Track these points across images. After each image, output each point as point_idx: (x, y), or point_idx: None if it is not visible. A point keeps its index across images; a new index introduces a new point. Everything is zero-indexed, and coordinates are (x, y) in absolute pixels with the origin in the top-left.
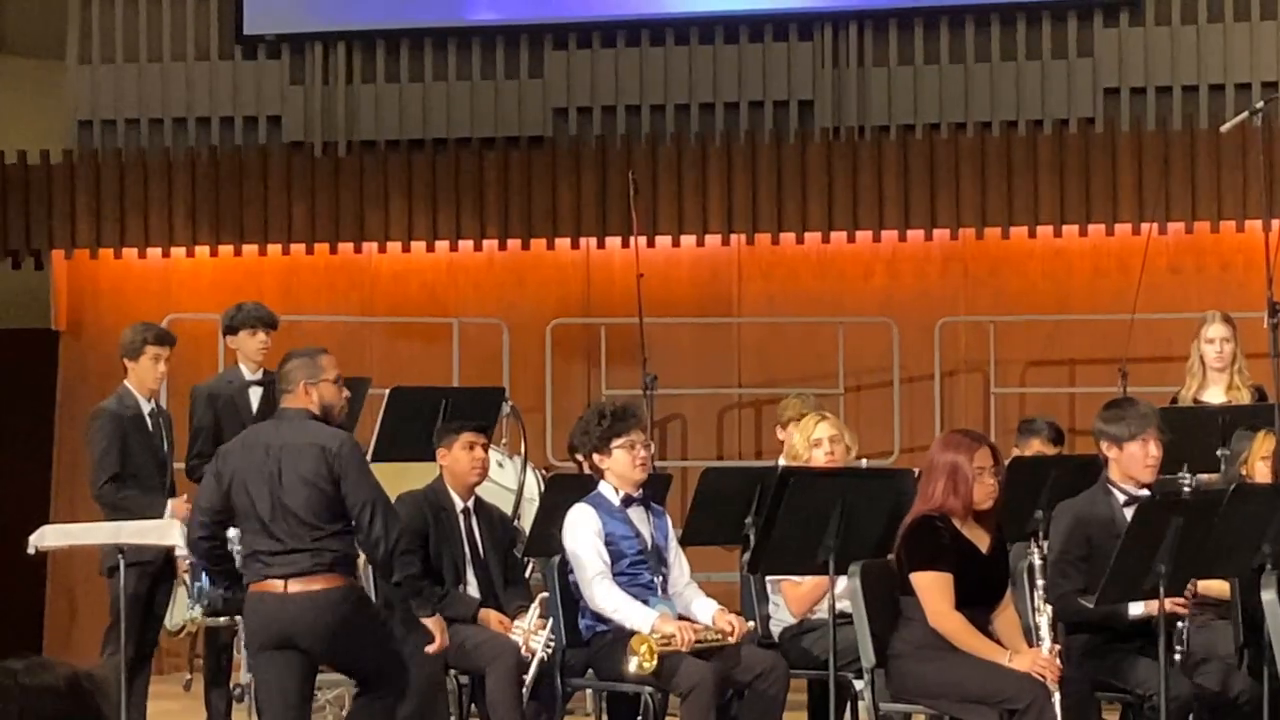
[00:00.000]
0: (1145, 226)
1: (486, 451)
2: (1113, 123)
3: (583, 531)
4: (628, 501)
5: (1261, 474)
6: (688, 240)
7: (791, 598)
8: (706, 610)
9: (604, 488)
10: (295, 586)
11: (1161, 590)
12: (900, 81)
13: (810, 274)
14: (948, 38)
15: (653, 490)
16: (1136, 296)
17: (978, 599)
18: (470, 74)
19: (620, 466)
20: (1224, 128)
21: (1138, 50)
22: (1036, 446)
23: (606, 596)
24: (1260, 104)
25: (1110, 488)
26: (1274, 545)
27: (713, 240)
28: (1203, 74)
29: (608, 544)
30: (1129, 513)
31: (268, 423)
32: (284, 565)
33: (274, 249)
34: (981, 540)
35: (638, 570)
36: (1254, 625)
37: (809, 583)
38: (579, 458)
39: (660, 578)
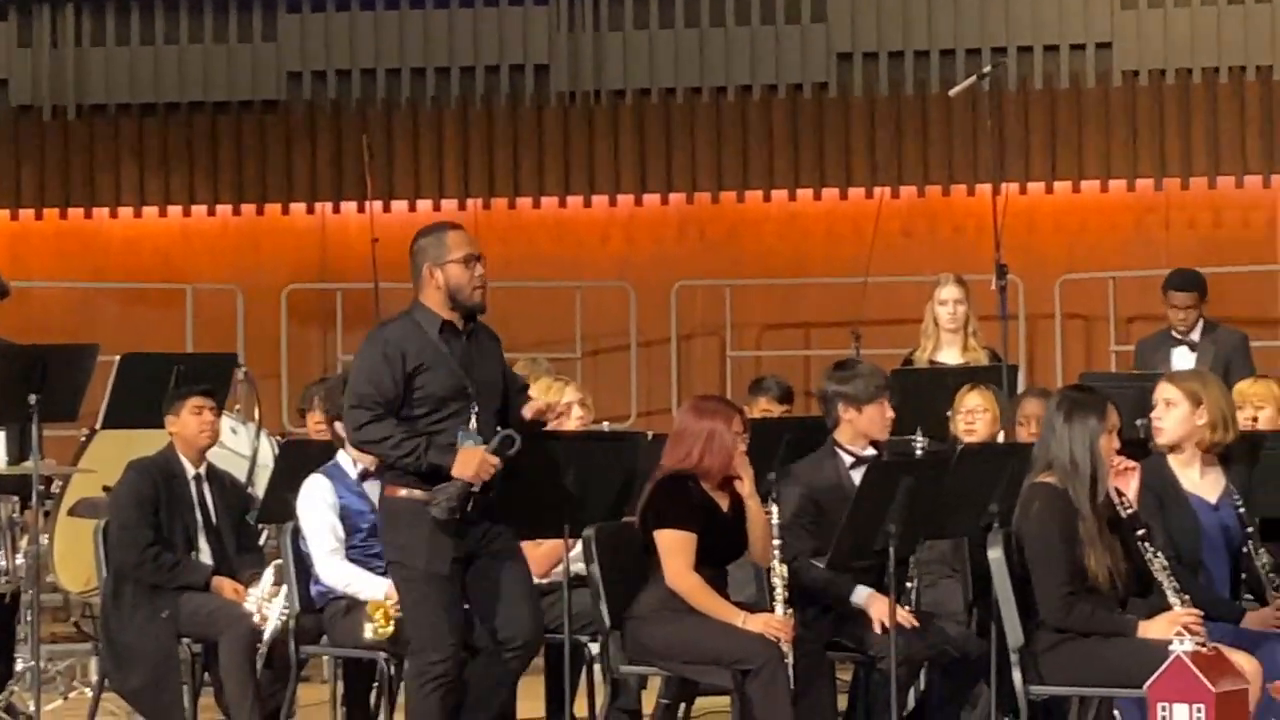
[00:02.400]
0: (878, 190)
1: (216, 416)
2: (846, 87)
3: (316, 505)
4: (365, 475)
5: (964, 432)
6: (424, 205)
7: (530, 558)
8: None
9: (342, 458)
10: None
11: (892, 550)
12: (635, 46)
13: (547, 238)
14: (682, 3)
15: None
16: (870, 259)
17: (717, 559)
18: (203, 37)
19: None
20: (953, 92)
21: (870, 15)
22: (764, 406)
23: (337, 572)
24: (988, 69)
25: (837, 450)
26: (1002, 504)
27: (449, 204)
28: (934, 39)
29: (343, 518)
30: (856, 475)
31: None
32: None
33: (2, 214)
34: (723, 500)
35: (371, 543)
36: (982, 583)
37: (548, 544)
38: (318, 420)
39: None
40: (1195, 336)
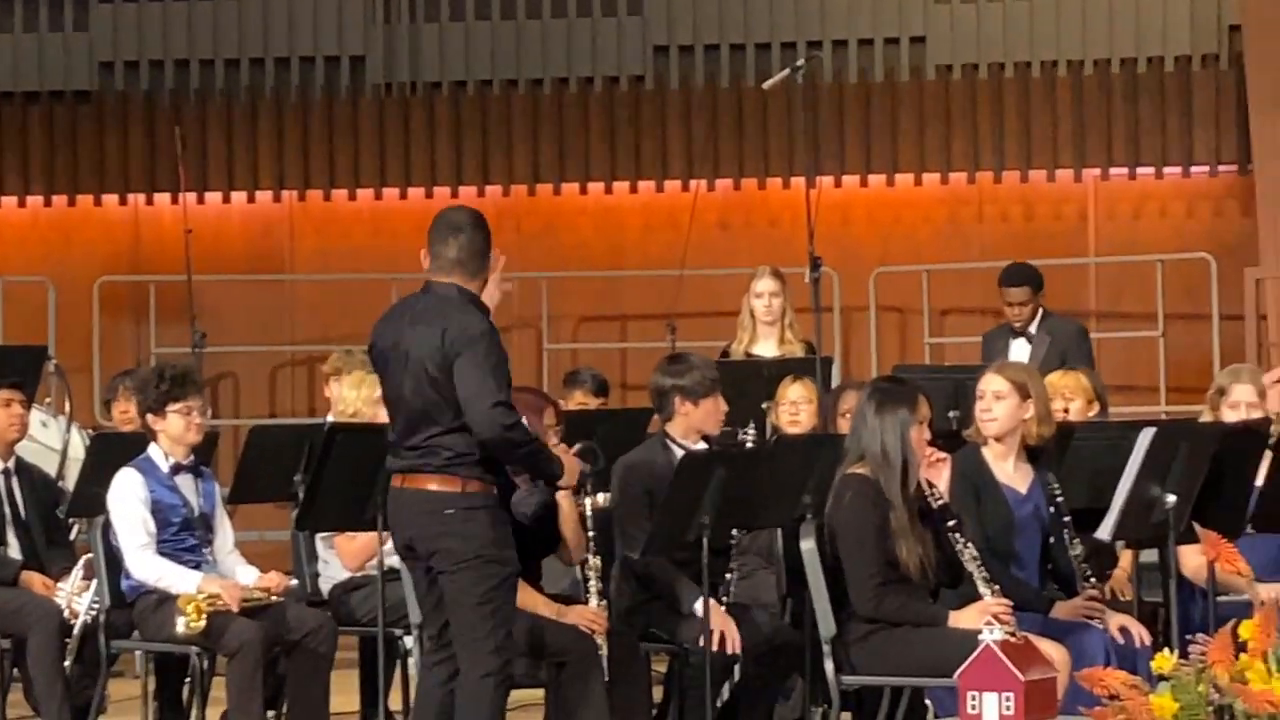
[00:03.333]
0: (694, 183)
1: (26, 409)
2: (662, 80)
3: (128, 500)
4: (176, 469)
5: (789, 424)
6: (239, 196)
7: (345, 551)
8: (249, 578)
9: (153, 451)
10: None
11: (705, 542)
12: (452, 38)
13: (364, 231)
14: None
15: (202, 455)
16: (685, 252)
17: (530, 553)
18: (13, 27)
19: (174, 430)
20: (767, 85)
21: (686, 8)
22: (580, 398)
23: (148, 567)
24: (801, 62)
25: (669, 443)
26: (815, 495)
27: (264, 196)
28: (749, 33)
29: (154, 512)
30: None
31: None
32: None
33: None
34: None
35: (183, 537)
36: (796, 574)
37: (362, 537)
38: (124, 410)
39: (208, 546)
40: (1033, 329)
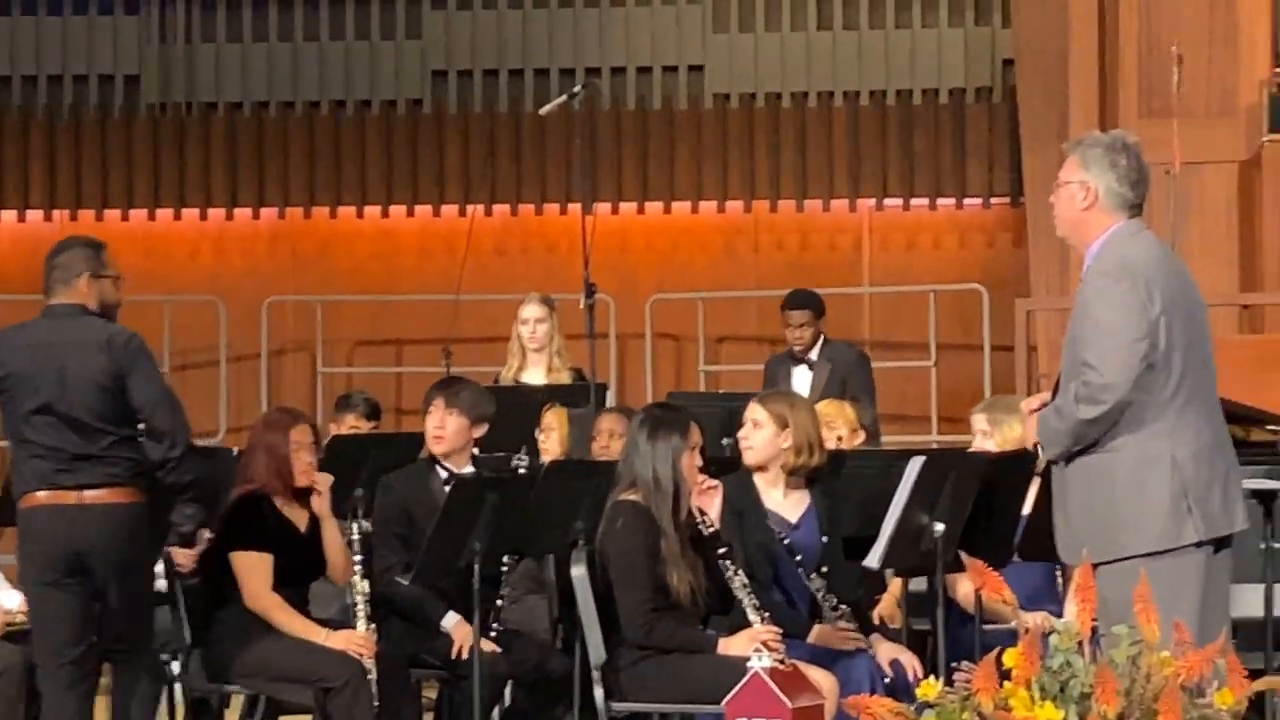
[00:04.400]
0: (471, 208)
1: None
2: (441, 104)
3: None
4: None
5: (541, 451)
6: (8, 215)
7: None
8: (12, 602)
9: None
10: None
11: (476, 566)
12: (228, 58)
13: (135, 252)
14: (276, 16)
15: None
16: (462, 277)
17: (296, 578)
18: None
19: None
20: (543, 110)
21: (465, 33)
22: (351, 422)
23: None
24: (578, 88)
25: (435, 465)
26: (587, 522)
27: (35, 215)
28: (528, 58)
29: None
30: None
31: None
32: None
33: None
34: (300, 519)
35: None
36: (568, 601)
37: None
38: None
39: None
40: (814, 355)
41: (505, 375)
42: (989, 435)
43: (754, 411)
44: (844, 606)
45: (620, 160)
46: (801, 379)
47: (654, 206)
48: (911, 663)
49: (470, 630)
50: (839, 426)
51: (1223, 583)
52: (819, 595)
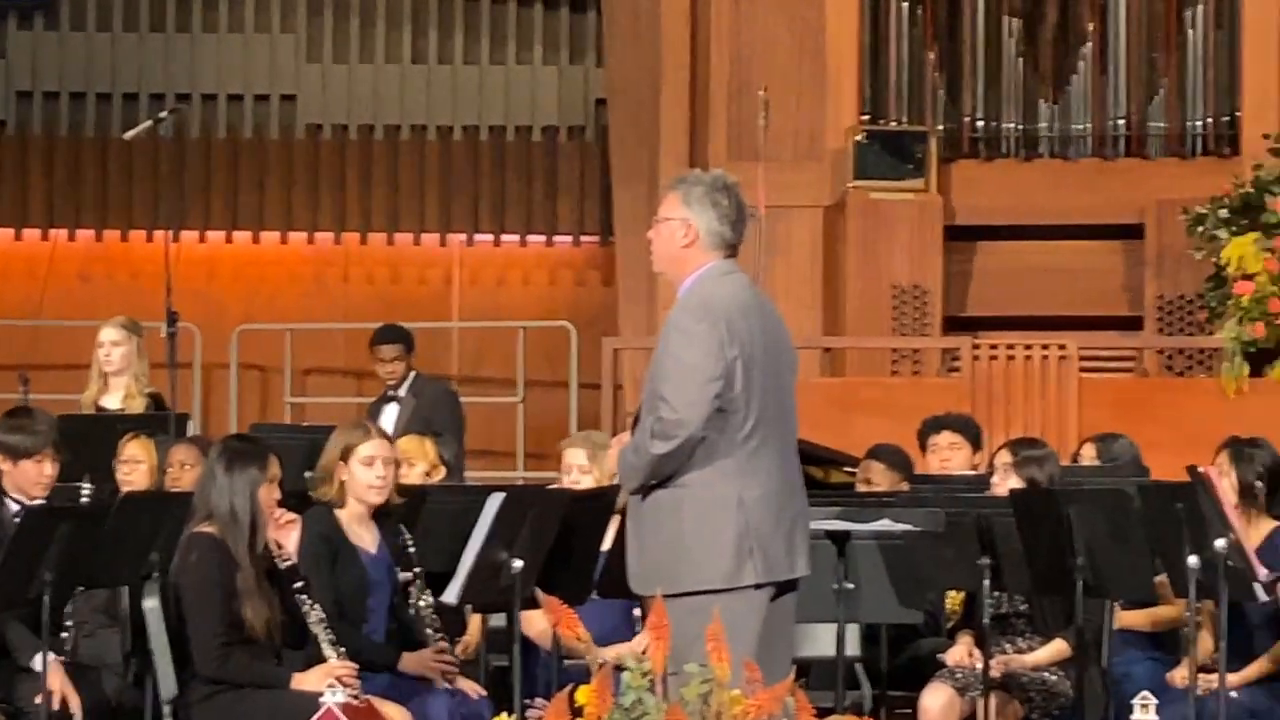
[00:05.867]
0: (54, 232)
1: None
2: (25, 126)
3: None
4: None
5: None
6: None
7: None
8: None
9: None
10: None
11: (47, 599)
12: None
13: None
14: None
15: None
16: (43, 302)
17: None
18: None
19: None
20: (129, 135)
21: (52, 54)
22: None
23: None
24: (164, 113)
25: (5, 496)
26: (162, 553)
27: None
28: (117, 82)
29: None
30: None
31: None
32: None
33: None
34: None
35: None
36: (141, 634)
37: None
38: None
39: None
40: (403, 391)
41: (85, 399)
42: (588, 470)
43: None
44: (442, 636)
45: (209, 188)
46: (389, 416)
47: (242, 236)
48: (474, 689)
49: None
50: (419, 462)
51: (786, 625)
52: (427, 612)
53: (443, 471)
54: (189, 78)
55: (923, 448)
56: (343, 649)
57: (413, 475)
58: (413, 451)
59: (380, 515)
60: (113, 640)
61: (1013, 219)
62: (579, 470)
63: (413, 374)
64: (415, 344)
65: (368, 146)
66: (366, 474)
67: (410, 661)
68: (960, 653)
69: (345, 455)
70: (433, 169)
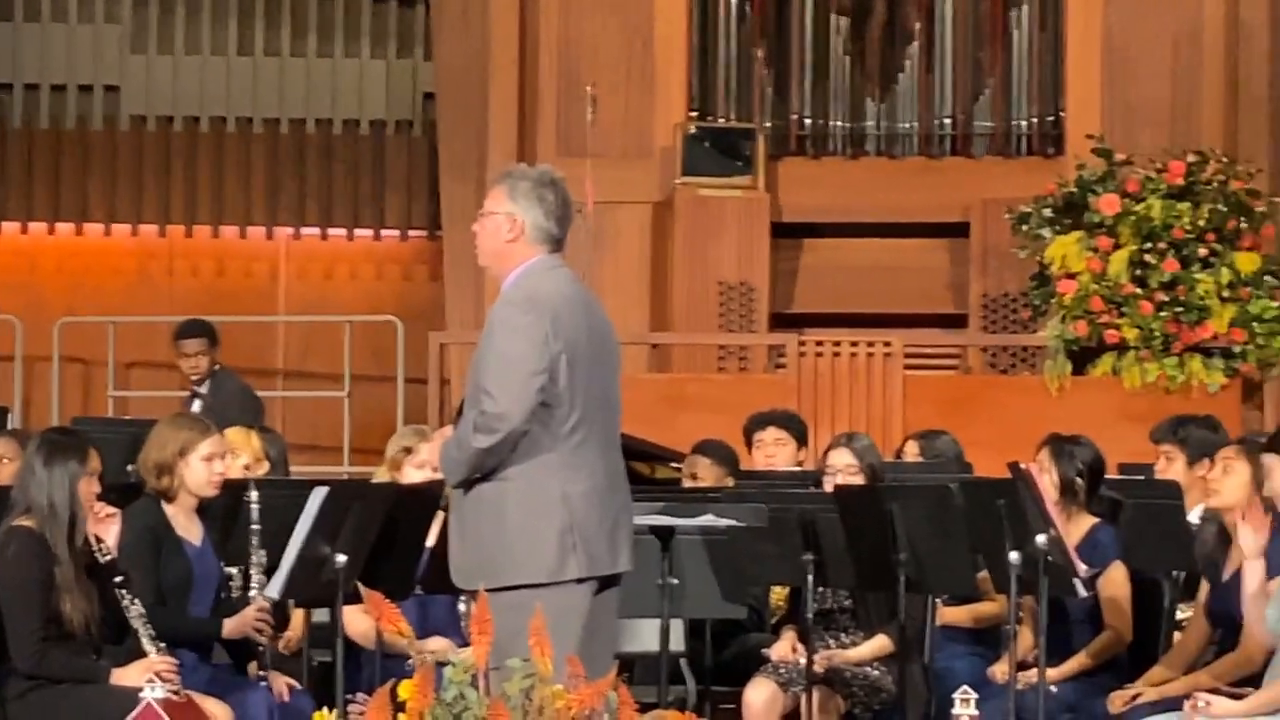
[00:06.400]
0: None
1: None
2: None
3: None
4: None
5: None
6: None
7: None
8: None
9: None
10: None
11: None
12: None
13: None
14: None
15: None
16: None
17: None
18: None
19: None
20: None
21: None
22: None
23: None
24: None
25: None
26: None
27: None
28: None
29: None
30: None
31: None
32: None
33: None
34: None
35: None
36: None
37: None
38: None
39: None
40: (206, 387)
41: None
42: (427, 464)
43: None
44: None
45: (31, 179)
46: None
47: (65, 227)
48: (282, 688)
49: None
50: (243, 454)
51: (609, 620)
52: (259, 590)
53: (266, 465)
54: (12, 67)
55: (748, 444)
56: (163, 644)
57: (235, 467)
58: (238, 443)
59: (201, 508)
60: None
61: (839, 217)
62: (418, 466)
63: (216, 368)
64: (220, 338)
65: (193, 139)
66: (206, 470)
67: (232, 626)
68: (784, 648)
69: (184, 451)
70: (259, 162)
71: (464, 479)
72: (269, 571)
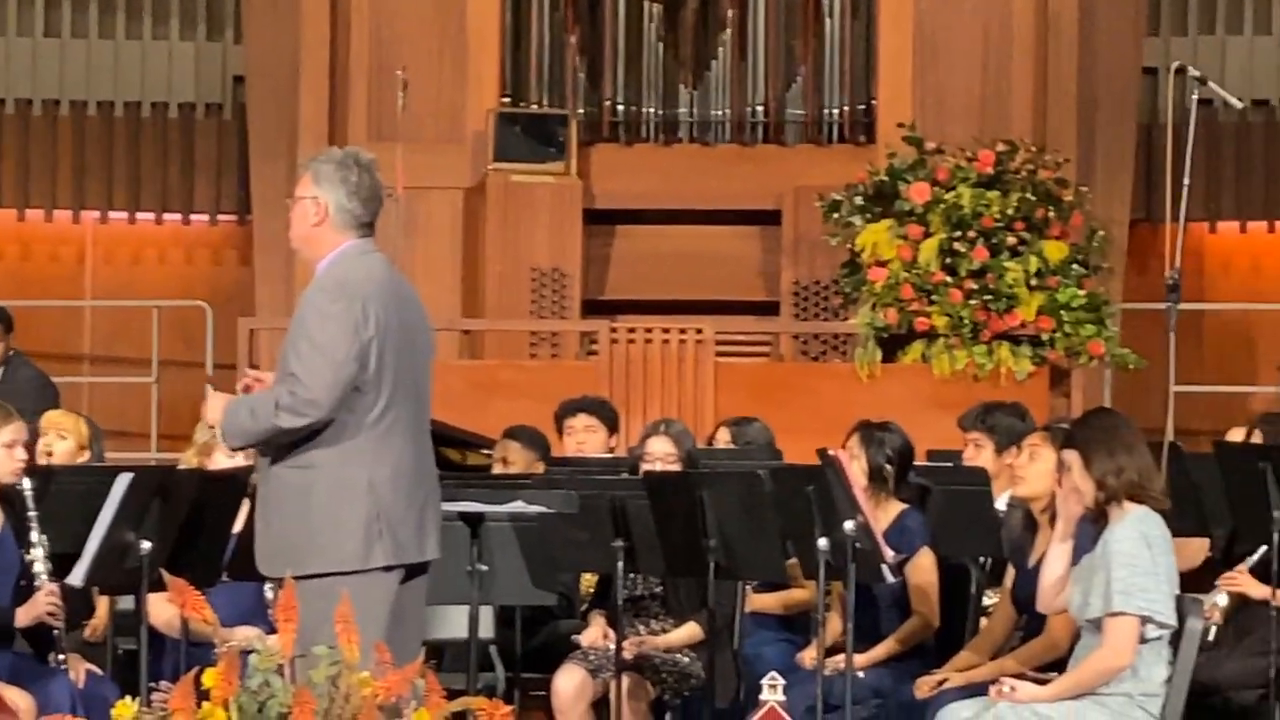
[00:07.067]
0: None
1: None
2: None
3: None
4: None
5: None
6: None
7: None
8: None
9: None
10: None
11: None
12: None
13: None
14: None
15: None
16: None
17: None
18: None
19: None
20: None
21: None
22: None
23: None
24: None
25: None
26: None
27: None
28: None
29: None
30: None
31: None
32: None
33: None
34: None
35: None
36: None
37: None
38: None
39: None
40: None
41: None
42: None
43: None
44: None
45: None
46: None
47: None
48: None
49: None
50: (70, 437)
51: (417, 607)
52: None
53: (87, 454)
54: None
55: (559, 430)
56: None
57: (61, 449)
58: (66, 425)
59: (2, 496)
60: None
61: (652, 203)
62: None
63: (11, 354)
64: (14, 324)
65: None
66: (7, 458)
67: (24, 614)
68: (594, 634)
69: None
70: (66, 145)
71: (242, 446)
72: (54, 558)
